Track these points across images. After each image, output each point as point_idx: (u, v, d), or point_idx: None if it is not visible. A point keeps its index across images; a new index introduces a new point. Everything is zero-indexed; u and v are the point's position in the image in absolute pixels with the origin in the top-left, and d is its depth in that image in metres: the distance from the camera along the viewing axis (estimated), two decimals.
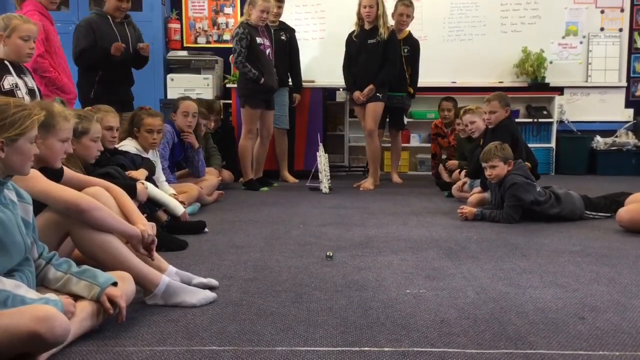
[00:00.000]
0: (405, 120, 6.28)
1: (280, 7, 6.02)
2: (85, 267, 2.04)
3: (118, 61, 4.76)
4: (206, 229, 3.65)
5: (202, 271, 2.65)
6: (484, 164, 4.10)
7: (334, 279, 2.63)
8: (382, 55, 5.49)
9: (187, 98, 4.87)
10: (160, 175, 4.00)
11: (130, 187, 2.97)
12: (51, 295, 1.82)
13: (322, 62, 7.00)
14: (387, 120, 6.12)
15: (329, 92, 6.93)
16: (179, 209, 3.60)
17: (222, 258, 3.01)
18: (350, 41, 5.69)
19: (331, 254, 2.98)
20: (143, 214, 3.08)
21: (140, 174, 3.46)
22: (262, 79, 5.34)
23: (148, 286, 2.26)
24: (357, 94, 5.58)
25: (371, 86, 5.49)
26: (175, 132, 4.58)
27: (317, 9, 7.15)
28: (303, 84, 6.40)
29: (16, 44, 3.52)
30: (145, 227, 2.36)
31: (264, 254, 3.09)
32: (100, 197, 2.35)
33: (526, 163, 4.22)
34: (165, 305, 2.24)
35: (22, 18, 3.61)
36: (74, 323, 1.82)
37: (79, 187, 2.40)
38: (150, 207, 3.42)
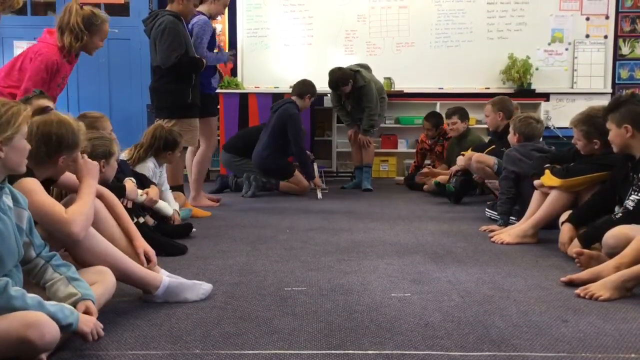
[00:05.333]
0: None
1: None
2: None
3: None
4: (194, 229, 3.64)
5: (187, 276, 2.63)
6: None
7: (319, 283, 2.63)
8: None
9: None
10: (164, 183, 4.03)
11: (119, 188, 3.00)
12: (68, 307, 1.80)
13: (308, 68, 7.00)
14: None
15: (316, 98, 6.93)
16: (168, 209, 3.62)
17: (208, 262, 3.00)
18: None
19: None
20: (133, 219, 3.09)
21: (152, 190, 3.50)
22: None
23: (149, 288, 2.30)
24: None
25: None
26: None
27: (304, 15, 7.15)
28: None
29: None
30: (141, 243, 2.45)
31: (250, 259, 3.09)
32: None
33: None
34: (162, 307, 2.25)
35: None
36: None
37: (74, 188, 2.37)
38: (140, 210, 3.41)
